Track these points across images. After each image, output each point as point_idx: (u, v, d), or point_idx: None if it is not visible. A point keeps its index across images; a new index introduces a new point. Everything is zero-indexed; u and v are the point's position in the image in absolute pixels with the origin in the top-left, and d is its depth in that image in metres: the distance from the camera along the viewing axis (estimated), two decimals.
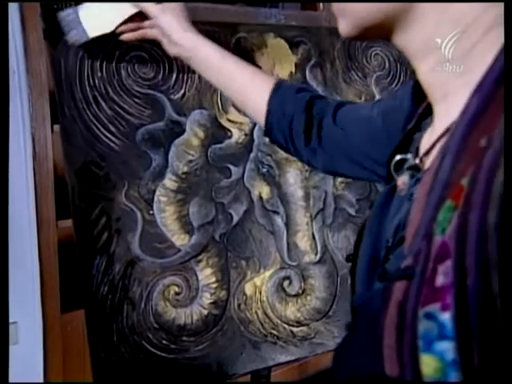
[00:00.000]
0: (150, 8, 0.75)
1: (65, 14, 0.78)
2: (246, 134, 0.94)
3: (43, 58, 0.89)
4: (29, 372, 0.94)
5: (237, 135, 0.93)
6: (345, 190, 1.01)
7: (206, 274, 0.87)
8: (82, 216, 0.79)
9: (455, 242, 0.29)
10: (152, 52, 0.86)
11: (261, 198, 0.94)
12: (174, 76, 0.89)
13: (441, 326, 0.29)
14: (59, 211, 0.94)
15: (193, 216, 0.87)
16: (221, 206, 0.90)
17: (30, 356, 0.93)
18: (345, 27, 0.43)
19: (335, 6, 0.44)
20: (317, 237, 0.97)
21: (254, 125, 0.94)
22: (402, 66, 1.10)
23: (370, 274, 0.43)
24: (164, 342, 0.82)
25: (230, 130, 0.93)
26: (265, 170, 0.94)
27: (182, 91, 0.89)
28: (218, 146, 0.91)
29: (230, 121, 0.93)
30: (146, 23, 0.77)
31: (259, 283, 0.91)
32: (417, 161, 0.43)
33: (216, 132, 0.92)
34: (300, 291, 0.94)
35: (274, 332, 0.90)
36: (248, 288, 0.90)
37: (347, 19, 0.43)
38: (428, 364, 0.29)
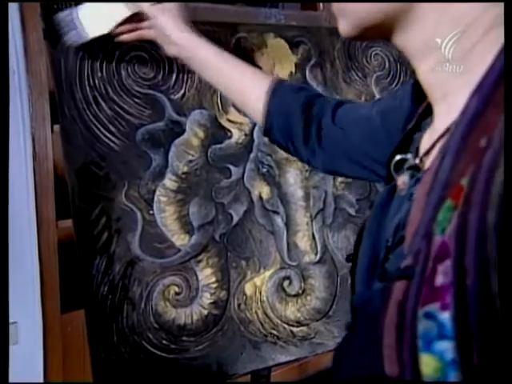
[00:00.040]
0: (148, 8, 0.75)
1: (63, 15, 0.78)
2: (246, 134, 0.94)
3: (43, 58, 0.89)
4: (29, 372, 0.94)
5: (237, 135, 0.93)
6: (345, 189, 1.01)
7: (206, 274, 0.87)
8: (81, 216, 0.79)
9: (455, 241, 0.29)
10: (152, 52, 0.86)
11: (261, 198, 0.94)
12: (174, 76, 0.89)
13: (440, 326, 0.29)
14: (59, 211, 0.94)
15: (193, 216, 0.87)
16: (221, 206, 0.90)
17: (30, 356, 0.93)
18: (345, 27, 0.43)
19: (335, 6, 0.44)
20: (317, 237, 0.97)
21: (254, 125, 0.94)
22: (402, 66, 1.10)
23: (370, 274, 0.43)
24: (164, 342, 0.82)
25: (229, 130, 0.93)
26: (265, 170, 0.94)
27: (182, 91, 0.89)
28: (218, 146, 0.91)
29: (229, 121, 0.93)
30: (145, 24, 0.77)
31: (259, 283, 0.91)
32: (417, 161, 0.43)
33: (216, 132, 0.92)
34: (300, 291, 0.94)
35: (274, 332, 0.90)
36: (248, 288, 0.90)
37: (347, 19, 0.43)
38: (427, 364, 0.29)
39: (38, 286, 0.93)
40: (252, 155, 0.94)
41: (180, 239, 0.86)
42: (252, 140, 0.94)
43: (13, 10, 0.87)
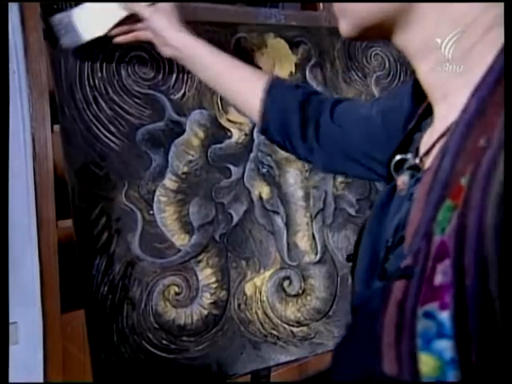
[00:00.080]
0: (141, 10, 0.74)
1: (59, 18, 0.78)
2: (246, 134, 0.94)
3: (43, 58, 0.89)
4: (29, 372, 0.94)
5: (237, 135, 0.93)
6: (345, 189, 1.01)
7: (206, 274, 0.87)
8: (81, 216, 0.79)
9: (454, 241, 0.29)
10: (152, 52, 0.85)
11: (261, 198, 0.94)
12: (174, 76, 0.89)
13: (439, 325, 0.29)
14: (59, 211, 0.94)
15: (193, 216, 0.87)
16: (221, 206, 0.90)
17: (30, 356, 0.93)
18: (345, 27, 0.43)
19: (336, 6, 0.44)
20: (317, 237, 0.97)
21: (254, 125, 0.93)
22: (402, 66, 1.10)
23: (370, 274, 0.43)
24: (164, 342, 0.82)
25: (229, 130, 0.93)
26: (265, 170, 0.94)
27: (182, 91, 0.89)
28: (218, 146, 0.91)
29: (229, 121, 0.93)
30: (140, 25, 0.77)
31: (259, 283, 0.91)
32: (417, 161, 0.43)
33: (216, 132, 0.92)
34: (300, 291, 0.94)
35: (274, 332, 0.90)
36: (248, 288, 0.90)
37: (348, 19, 0.43)
38: (426, 363, 0.29)
39: (38, 286, 0.93)
40: (252, 155, 0.94)
41: (180, 239, 0.86)
42: (252, 140, 0.94)
43: (13, 10, 0.87)
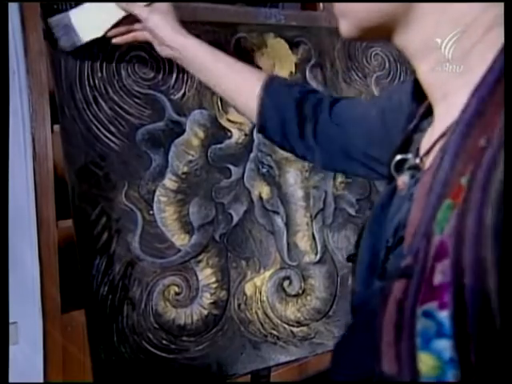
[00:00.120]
0: (138, 10, 0.74)
1: (57, 19, 0.78)
2: (246, 134, 0.94)
3: (43, 58, 0.89)
4: (29, 372, 0.94)
5: (237, 135, 0.93)
6: (345, 190, 1.01)
7: (206, 274, 0.87)
8: (81, 216, 0.79)
9: (453, 240, 0.29)
10: (152, 52, 0.85)
11: (261, 198, 0.94)
12: (174, 76, 0.89)
13: (439, 325, 0.29)
14: (59, 211, 0.94)
15: (193, 216, 0.87)
16: (221, 206, 0.90)
17: (30, 356, 0.93)
18: (346, 28, 0.43)
19: (336, 6, 0.44)
20: (317, 237, 0.97)
21: (254, 125, 0.93)
22: (402, 66, 1.10)
23: (370, 274, 0.43)
24: (164, 342, 0.82)
25: (229, 130, 0.93)
26: (265, 170, 0.94)
27: (182, 91, 0.89)
28: (218, 146, 0.91)
29: (230, 121, 0.93)
30: (137, 26, 0.77)
31: (259, 283, 0.91)
32: (417, 161, 0.43)
33: (216, 132, 0.92)
34: (300, 291, 0.94)
35: (274, 332, 0.90)
36: (248, 288, 0.90)
37: (348, 20, 0.43)
38: (426, 362, 0.29)
39: (38, 286, 0.93)
40: (252, 155, 0.94)
41: (180, 239, 0.86)
42: (252, 140, 0.94)
43: (13, 9, 0.87)
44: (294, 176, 0.97)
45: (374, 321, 0.34)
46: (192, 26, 0.79)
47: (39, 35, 0.87)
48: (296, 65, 1.00)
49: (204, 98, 0.91)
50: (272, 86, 0.69)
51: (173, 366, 0.82)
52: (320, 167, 0.72)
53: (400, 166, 0.46)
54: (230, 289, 0.88)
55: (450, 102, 0.39)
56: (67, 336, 0.97)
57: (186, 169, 0.88)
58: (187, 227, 0.86)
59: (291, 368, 1.25)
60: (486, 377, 0.28)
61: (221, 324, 0.86)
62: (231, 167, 0.92)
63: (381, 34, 0.42)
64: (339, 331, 0.94)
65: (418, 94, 0.45)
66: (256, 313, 0.90)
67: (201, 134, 0.90)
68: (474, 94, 0.34)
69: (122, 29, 0.78)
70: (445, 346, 0.29)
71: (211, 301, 0.86)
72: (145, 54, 0.86)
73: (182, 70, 0.89)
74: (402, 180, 0.44)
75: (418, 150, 0.45)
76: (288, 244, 0.94)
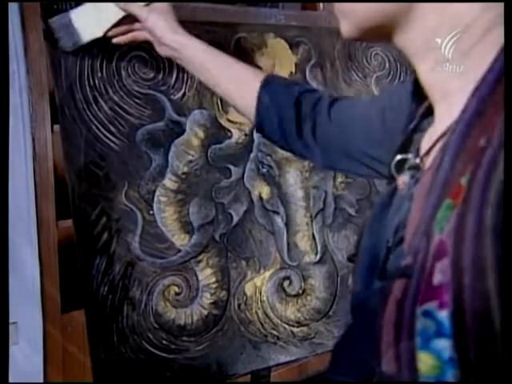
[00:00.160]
0: (137, 10, 0.74)
1: (57, 19, 0.78)
2: (245, 134, 0.94)
3: (43, 58, 0.89)
4: (29, 372, 0.94)
5: (237, 135, 0.93)
6: (345, 189, 1.01)
7: (206, 274, 0.87)
8: (81, 216, 0.79)
9: (453, 240, 0.29)
10: (152, 52, 0.85)
11: (261, 198, 0.94)
12: (174, 76, 0.89)
13: (438, 324, 0.29)
14: (59, 211, 0.94)
15: (193, 216, 0.87)
16: (221, 206, 0.90)
17: (30, 356, 0.93)
18: (346, 28, 0.43)
19: (336, 7, 0.44)
20: (317, 237, 0.97)
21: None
22: (402, 66, 1.10)
23: (370, 274, 0.43)
24: (164, 342, 0.82)
25: (230, 130, 0.93)
26: (265, 170, 0.94)
27: (182, 91, 0.90)
28: (218, 146, 0.91)
29: (230, 121, 0.93)
30: (137, 25, 0.77)
31: (259, 283, 0.91)
32: (417, 161, 0.43)
33: (216, 132, 0.92)
34: (300, 291, 0.94)
35: (274, 332, 0.90)
36: (248, 288, 0.90)
37: (348, 20, 0.43)
38: (425, 361, 0.30)
39: (38, 286, 0.93)
40: (252, 155, 0.94)
41: (180, 239, 0.86)
42: (252, 140, 0.94)
43: (13, 9, 0.87)
44: (294, 176, 0.97)
45: (374, 321, 0.34)
46: (192, 26, 0.79)
47: (39, 35, 0.87)
48: (296, 65, 1.00)
49: (204, 98, 0.91)
50: (271, 86, 0.69)
51: (173, 366, 0.82)
52: (319, 165, 0.72)
53: (400, 166, 0.46)
54: (230, 289, 0.88)
55: (450, 101, 0.39)
56: (67, 336, 0.97)
57: (186, 169, 0.88)
58: (187, 227, 0.86)
59: (291, 368, 1.25)
60: (485, 376, 0.28)
61: (221, 324, 0.86)
62: (231, 167, 0.92)
63: (381, 34, 0.42)
64: (339, 331, 0.94)
65: (419, 93, 0.45)
66: (256, 313, 0.90)
67: (201, 134, 0.90)
68: (474, 94, 0.34)
69: (122, 28, 0.78)
70: (444, 345, 0.29)
71: (211, 301, 0.86)
72: (145, 53, 0.86)
73: (181, 70, 0.89)
74: (402, 180, 0.44)
75: (418, 149, 0.45)
76: (288, 244, 0.94)
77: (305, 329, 0.93)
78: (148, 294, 0.82)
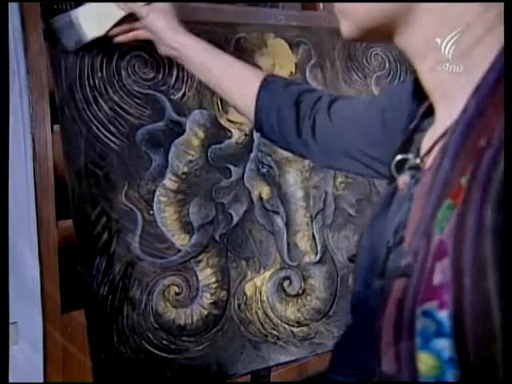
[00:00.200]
0: (138, 9, 0.74)
1: (59, 19, 0.78)
2: (246, 134, 0.94)
3: (43, 58, 0.89)
4: (29, 372, 0.94)
5: (237, 135, 0.93)
6: (345, 190, 1.01)
7: (206, 274, 0.87)
8: (81, 216, 0.79)
9: (453, 240, 0.29)
10: (152, 52, 0.86)
11: (261, 198, 0.94)
12: (174, 76, 0.89)
13: (438, 324, 0.29)
14: (59, 211, 0.94)
15: (193, 216, 0.87)
16: (221, 206, 0.90)
17: (30, 356, 0.93)
18: (346, 28, 0.43)
19: (336, 7, 0.44)
20: (317, 237, 0.97)
21: None
22: (402, 66, 1.10)
23: (370, 274, 0.43)
24: (164, 342, 0.82)
25: (230, 130, 0.93)
26: (265, 170, 0.94)
27: (182, 91, 0.89)
28: (218, 146, 0.91)
29: (230, 121, 0.93)
30: (138, 24, 0.77)
31: (259, 283, 0.91)
32: (418, 161, 0.43)
33: (216, 132, 0.92)
34: (300, 291, 0.94)
35: (274, 332, 0.90)
36: (248, 288, 0.90)
37: (348, 20, 0.43)
38: (425, 361, 0.30)
39: (38, 286, 0.93)
40: (252, 155, 0.94)
41: (180, 239, 0.86)
42: (252, 140, 0.94)
43: (13, 9, 0.87)
44: (294, 176, 0.97)
45: (374, 321, 0.34)
46: (192, 26, 0.79)
47: (39, 35, 0.87)
48: (296, 65, 1.00)
49: (204, 98, 0.91)
50: (270, 86, 0.69)
51: (173, 366, 0.82)
52: (319, 164, 0.72)
53: (400, 166, 0.46)
54: (230, 289, 0.88)
55: (450, 101, 0.39)
56: (67, 336, 0.97)
57: (186, 169, 0.88)
58: (187, 227, 0.86)
59: (291, 368, 1.25)
60: (485, 376, 0.28)
61: (221, 324, 0.86)
62: (231, 167, 0.92)
63: (381, 34, 0.42)
64: (339, 331, 0.94)
65: (419, 93, 0.45)
66: (256, 313, 0.90)
67: (201, 134, 0.90)
68: (475, 94, 0.34)
69: (123, 27, 0.78)
70: (444, 345, 0.29)
71: (211, 301, 0.86)
72: (145, 53, 0.86)
73: (182, 70, 0.89)
74: (403, 180, 0.44)
75: (418, 149, 0.45)
76: (288, 244, 0.94)
77: (305, 329, 0.93)
78: (148, 294, 0.82)
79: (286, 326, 0.92)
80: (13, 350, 0.89)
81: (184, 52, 0.74)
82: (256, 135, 0.94)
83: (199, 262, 0.87)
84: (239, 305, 0.89)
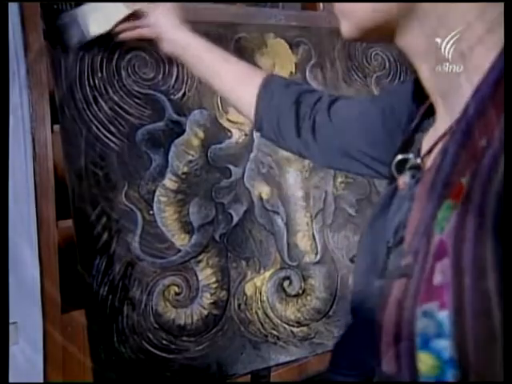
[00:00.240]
0: (142, 7, 0.75)
1: (64, 16, 0.78)
2: (246, 134, 0.94)
3: (43, 58, 0.89)
4: (29, 372, 0.94)
5: (237, 135, 0.93)
6: (345, 190, 1.01)
7: (206, 274, 0.87)
8: (81, 216, 0.79)
9: (453, 240, 0.29)
10: (152, 52, 0.86)
11: (261, 198, 0.94)
12: (174, 76, 0.89)
13: (438, 324, 0.29)
14: (59, 211, 0.94)
15: (193, 216, 0.87)
16: (221, 206, 0.90)
17: (30, 356, 0.93)
18: (347, 28, 0.43)
19: (336, 7, 0.44)
20: (317, 237, 0.97)
21: None
22: (402, 66, 1.10)
23: (371, 274, 0.43)
24: (164, 342, 0.82)
25: (229, 130, 0.93)
26: (265, 170, 0.94)
27: (182, 91, 0.90)
28: (218, 146, 0.91)
29: (230, 121, 0.93)
30: (142, 22, 0.77)
31: (259, 283, 0.91)
32: (418, 161, 0.43)
33: (216, 132, 0.92)
34: (300, 291, 0.94)
35: (274, 332, 0.90)
36: (248, 288, 0.90)
37: (348, 20, 0.43)
38: (425, 361, 0.30)
39: (38, 286, 0.93)
40: (252, 155, 0.94)
41: (180, 239, 0.86)
42: (252, 140, 0.94)
43: (13, 9, 0.87)
44: (294, 176, 0.97)
45: (374, 321, 0.34)
46: (192, 26, 0.78)
47: (39, 35, 0.86)
48: (296, 65, 1.00)
49: (204, 98, 0.91)
50: (271, 85, 0.69)
51: (173, 366, 0.82)
52: (319, 164, 0.72)
53: (401, 166, 0.46)
54: (230, 289, 0.88)
55: (450, 102, 0.39)
56: (67, 336, 0.97)
57: (186, 169, 0.88)
58: (187, 227, 0.86)
59: (291, 368, 1.25)
60: (485, 376, 0.28)
61: (221, 324, 0.86)
62: (231, 167, 0.92)
63: (381, 34, 0.42)
64: (339, 331, 0.94)
65: (419, 94, 0.45)
66: (256, 313, 0.90)
67: (201, 134, 0.90)
68: (475, 94, 0.34)
69: (127, 25, 0.78)
70: (444, 345, 0.29)
71: (211, 301, 0.86)
72: (145, 54, 0.86)
73: (182, 70, 0.89)
74: (403, 180, 0.44)
75: (419, 150, 0.45)
76: (288, 244, 0.94)
77: (305, 329, 0.93)
78: (148, 293, 0.82)
79: (286, 326, 0.92)
80: (13, 350, 0.89)
81: (186, 51, 0.74)
82: (256, 135, 0.94)
83: (199, 262, 0.87)
84: (239, 305, 0.89)
